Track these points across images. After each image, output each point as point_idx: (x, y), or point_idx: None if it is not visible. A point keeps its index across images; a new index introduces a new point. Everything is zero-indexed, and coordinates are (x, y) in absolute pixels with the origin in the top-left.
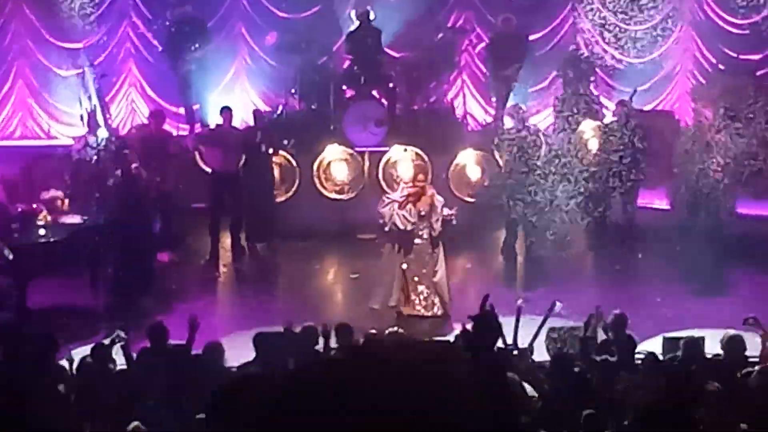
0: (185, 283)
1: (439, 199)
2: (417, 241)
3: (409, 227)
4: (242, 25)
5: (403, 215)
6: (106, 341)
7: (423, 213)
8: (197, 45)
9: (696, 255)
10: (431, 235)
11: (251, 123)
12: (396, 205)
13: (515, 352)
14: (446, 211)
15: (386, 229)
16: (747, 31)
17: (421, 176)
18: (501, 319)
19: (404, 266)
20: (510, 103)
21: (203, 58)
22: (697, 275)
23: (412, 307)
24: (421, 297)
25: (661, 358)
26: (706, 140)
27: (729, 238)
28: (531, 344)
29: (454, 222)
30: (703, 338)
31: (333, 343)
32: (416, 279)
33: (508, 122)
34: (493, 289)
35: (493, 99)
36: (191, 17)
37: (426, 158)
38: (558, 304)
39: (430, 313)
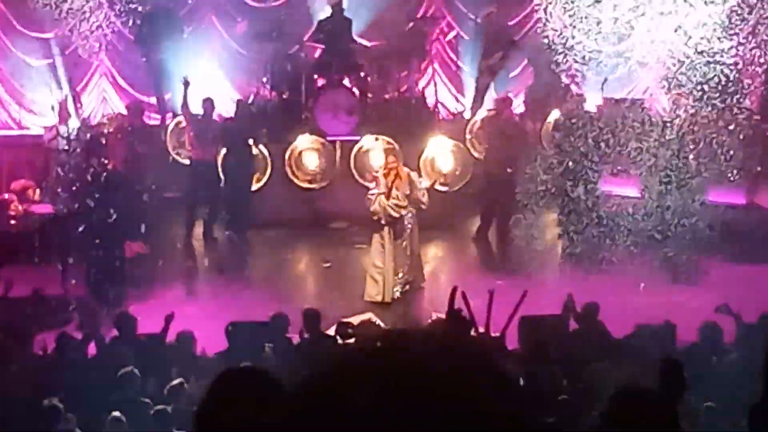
0: (157, 273)
1: (414, 175)
2: (406, 222)
3: (403, 212)
4: (213, 14)
5: (394, 204)
6: (74, 331)
7: (408, 193)
8: (168, 34)
9: (667, 243)
10: (419, 209)
11: (224, 113)
12: (383, 197)
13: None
14: (425, 182)
15: (382, 222)
16: (718, 18)
17: (391, 158)
18: (473, 306)
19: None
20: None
21: (174, 47)
22: (669, 264)
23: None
24: (404, 276)
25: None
26: (679, 129)
27: (699, 226)
28: (503, 333)
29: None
30: (674, 326)
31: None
32: (408, 254)
33: (483, 112)
34: (467, 276)
35: (471, 88)
36: (162, 7)
37: (397, 147)
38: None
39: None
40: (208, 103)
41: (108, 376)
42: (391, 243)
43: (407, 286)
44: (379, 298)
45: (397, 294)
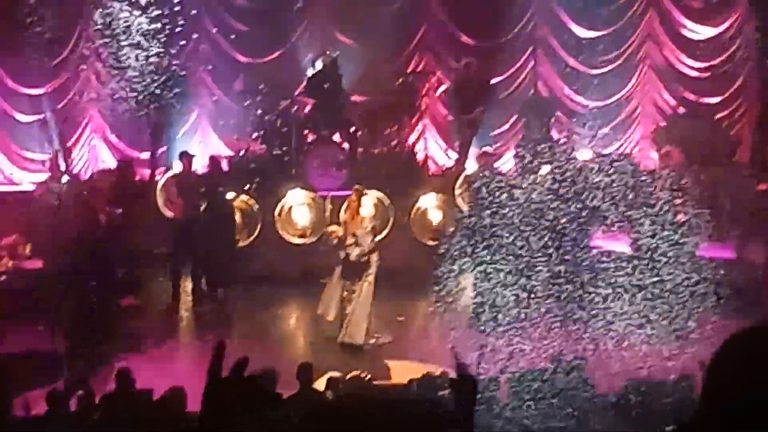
0: (147, 328)
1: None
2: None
3: (350, 250)
4: (204, 70)
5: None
6: (64, 388)
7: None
8: (161, 91)
9: (657, 298)
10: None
11: (213, 168)
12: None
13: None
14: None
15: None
16: (706, 74)
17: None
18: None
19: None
20: (473, 146)
21: (167, 103)
22: (657, 318)
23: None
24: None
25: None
26: (668, 184)
27: (690, 281)
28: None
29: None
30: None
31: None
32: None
33: (472, 166)
34: (458, 332)
35: (456, 143)
36: (156, 62)
37: (386, 202)
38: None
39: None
40: (187, 158)
41: None
42: (339, 279)
43: (374, 340)
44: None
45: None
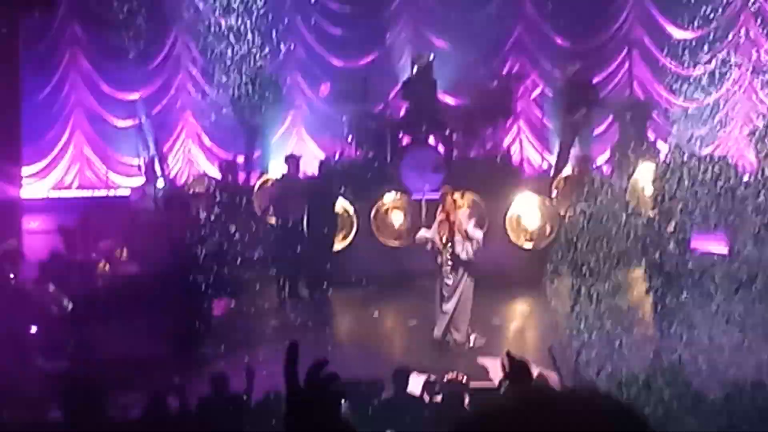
0: (244, 332)
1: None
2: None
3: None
4: (299, 74)
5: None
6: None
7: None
8: (256, 95)
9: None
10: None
11: (309, 171)
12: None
13: None
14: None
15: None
16: None
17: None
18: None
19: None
20: (576, 149)
21: (262, 107)
22: (757, 321)
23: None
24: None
25: None
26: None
27: None
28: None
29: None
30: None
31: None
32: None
33: (569, 169)
34: (556, 334)
35: (557, 145)
36: (249, 69)
37: (482, 204)
38: None
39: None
40: (293, 161)
41: None
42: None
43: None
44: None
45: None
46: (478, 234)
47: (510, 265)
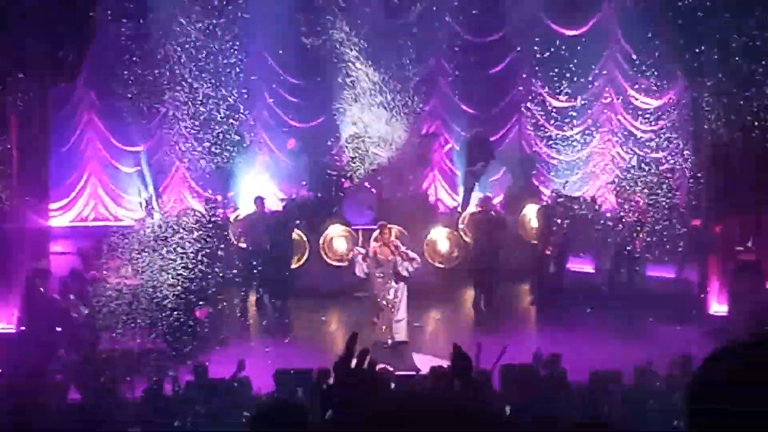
0: (221, 331)
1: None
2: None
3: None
4: (264, 131)
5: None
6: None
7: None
8: (231, 149)
9: (615, 307)
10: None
11: (272, 208)
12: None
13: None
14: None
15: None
16: (652, 136)
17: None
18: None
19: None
20: (477, 192)
21: (235, 158)
22: (615, 323)
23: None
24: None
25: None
26: (623, 220)
27: (639, 295)
28: (491, 371)
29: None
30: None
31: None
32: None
33: (471, 208)
34: (464, 333)
35: (461, 189)
36: (228, 145)
37: (406, 233)
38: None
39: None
40: (260, 201)
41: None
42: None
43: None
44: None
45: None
46: (414, 255)
47: (427, 280)
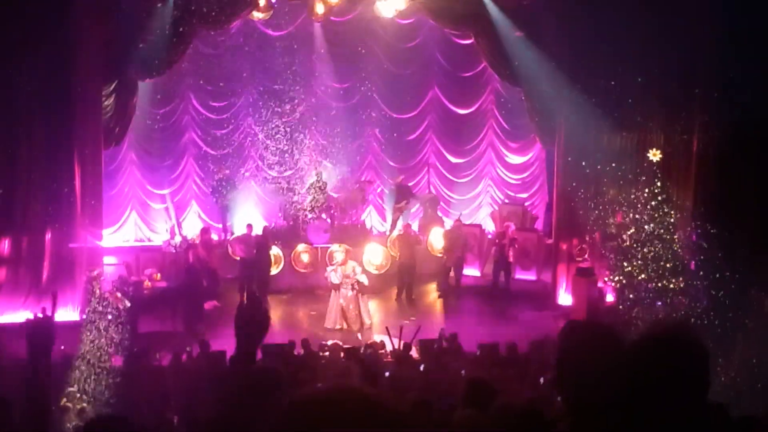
0: (224, 318)
1: (357, 267)
2: (348, 290)
3: (344, 281)
4: (252, 180)
5: (341, 276)
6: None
7: (348, 274)
8: (227, 192)
9: (494, 300)
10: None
11: (258, 232)
12: (333, 273)
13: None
14: (362, 276)
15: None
16: (519, 182)
17: (344, 254)
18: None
19: (342, 302)
20: (401, 221)
21: (232, 197)
22: (495, 311)
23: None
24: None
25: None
26: (502, 241)
27: (511, 291)
28: (409, 347)
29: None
30: (497, 344)
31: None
32: (350, 308)
33: (396, 232)
34: (392, 319)
35: (390, 219)
36: (227, 189)
37: (350, 249)
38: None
39: (356, 327)
40: (249, 226)
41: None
42: (337, 299)
43: (345, 326)
44: (336, 327)
45: (345, 327)
46: (370, 268)
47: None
